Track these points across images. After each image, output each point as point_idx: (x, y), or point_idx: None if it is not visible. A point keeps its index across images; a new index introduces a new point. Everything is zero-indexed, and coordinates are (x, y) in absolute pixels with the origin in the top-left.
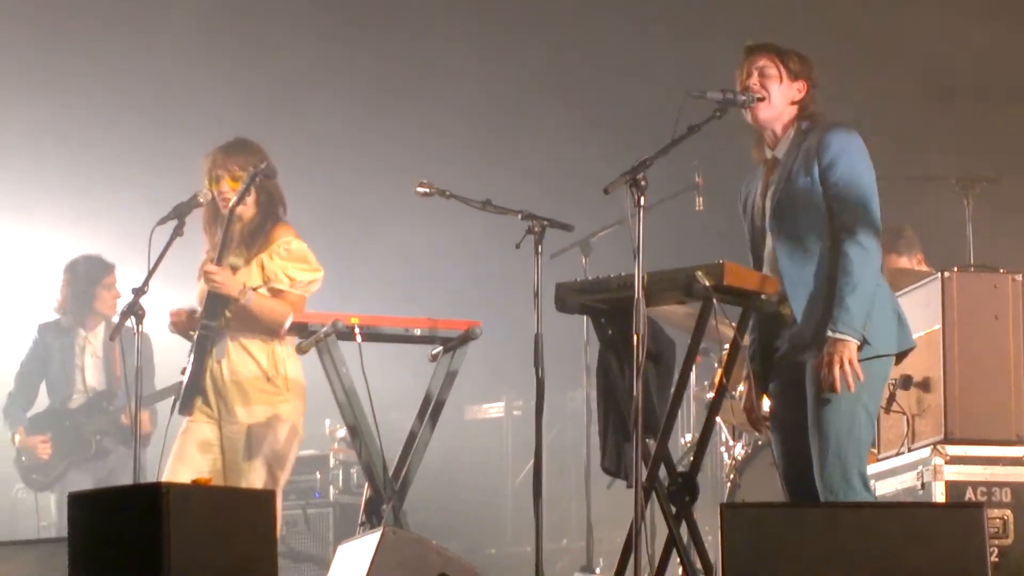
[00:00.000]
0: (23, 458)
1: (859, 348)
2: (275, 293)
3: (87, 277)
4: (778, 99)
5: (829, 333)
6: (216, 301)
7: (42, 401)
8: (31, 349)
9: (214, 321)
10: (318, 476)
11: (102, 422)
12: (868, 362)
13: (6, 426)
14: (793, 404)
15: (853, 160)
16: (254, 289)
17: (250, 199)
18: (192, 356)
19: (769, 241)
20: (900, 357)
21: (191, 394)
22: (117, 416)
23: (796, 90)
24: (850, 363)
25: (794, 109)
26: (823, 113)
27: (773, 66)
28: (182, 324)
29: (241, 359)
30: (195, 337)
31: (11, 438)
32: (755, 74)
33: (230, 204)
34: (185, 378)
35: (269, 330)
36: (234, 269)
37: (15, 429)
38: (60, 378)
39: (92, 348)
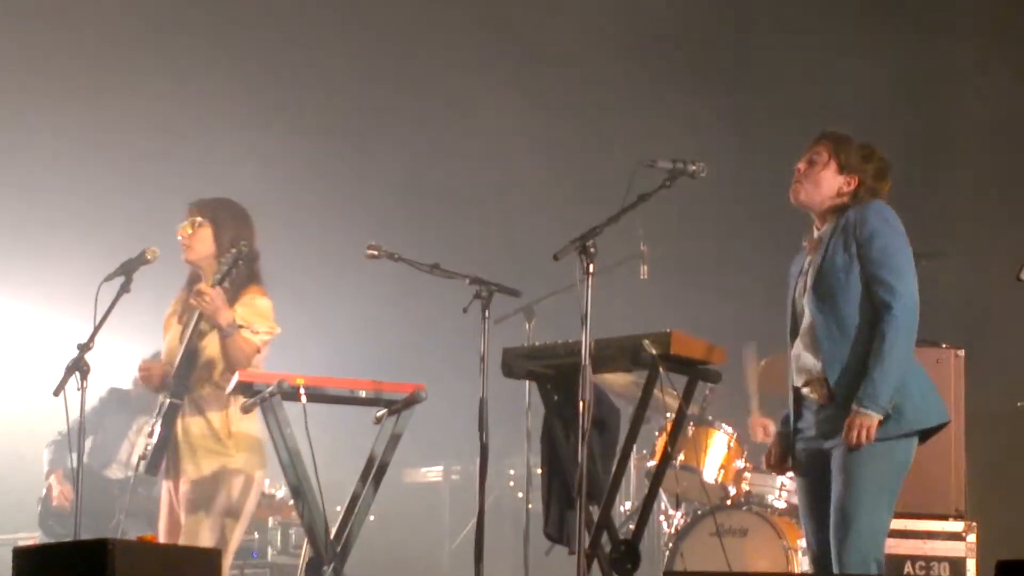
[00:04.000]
0: (50, 501)
1: (882, 422)
2: None
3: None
4: (815, 185)
5: (854, 407)
6: (187, 366)
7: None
8: (95, 406)
9: (184, 389)
10: (256, 536)
11: (134, 504)
12: (895, 441)
13: (48, 462)
14: (819, 492)
15: (890, 235)
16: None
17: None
18: (160, 420)
19: (807, 317)
20: (931, 432)
21: (159, 454)
22: (147, 503)
23: (844, 182)
24: (868, 433)
25: (838, 200)
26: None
27: (825, 153)
28: (153, 380)
29: (194, 419)
30: (166, 404)
31: (45, 474)
32: (805, 158)
33: (210, 282)
34: (153, 440)
35: (233, 368)
36: (203, 334)
37: (55, 470)
38: (106, 443)
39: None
